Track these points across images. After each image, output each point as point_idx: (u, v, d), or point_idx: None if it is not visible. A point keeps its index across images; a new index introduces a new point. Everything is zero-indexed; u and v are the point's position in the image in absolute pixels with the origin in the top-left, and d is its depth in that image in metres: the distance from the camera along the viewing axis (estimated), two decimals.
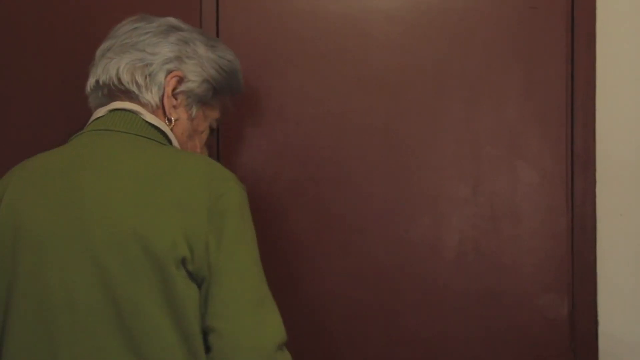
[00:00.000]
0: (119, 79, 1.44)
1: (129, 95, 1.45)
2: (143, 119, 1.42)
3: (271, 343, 1.19)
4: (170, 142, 1.45)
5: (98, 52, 1.50)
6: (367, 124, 1.94)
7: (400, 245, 1.94)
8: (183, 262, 1.23)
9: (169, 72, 1.45)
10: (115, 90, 1.45)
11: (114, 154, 1.35)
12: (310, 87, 1.93)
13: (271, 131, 1.94)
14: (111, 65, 1.45)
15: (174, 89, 1.46)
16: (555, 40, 1.93)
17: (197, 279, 1.24)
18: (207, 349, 1.23)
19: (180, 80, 1.46)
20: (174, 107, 1.46)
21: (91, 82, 1.49)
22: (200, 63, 1.48)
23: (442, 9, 1.94)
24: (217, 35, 1.92)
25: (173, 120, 1.46)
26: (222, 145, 1.93)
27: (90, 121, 1.47)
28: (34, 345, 1.26)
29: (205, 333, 1.23)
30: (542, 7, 1.93)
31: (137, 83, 1.44)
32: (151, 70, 1.45)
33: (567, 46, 1.94)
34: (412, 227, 1.95)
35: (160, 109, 1.46)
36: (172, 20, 1.52)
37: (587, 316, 1.94)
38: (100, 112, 1.45)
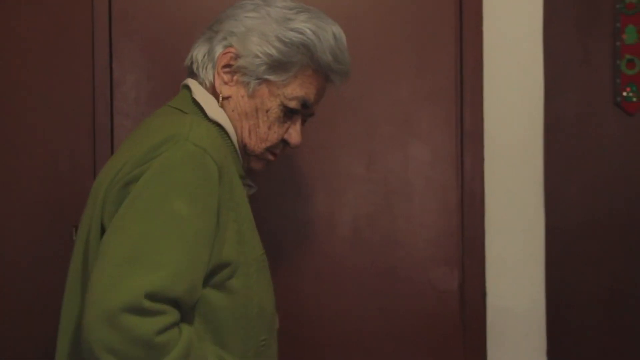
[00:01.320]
0: (191, 60, 1.46)
1: (194, 74, 1.46)
2: (191, 95, 1.43)
3: (116, 302, 1.11)
4: (208, 119, 1.40)
5: None
6: None
7: (298, 222, 1.96)
8: None
9: (224, 47, 1.42)
10: (189, 71, 1.48)
11: (144, 125, 1.40)
12: None
13: None
14: (192, 47, 1.48)
15: (226, 65, 1.41)
16: (444, 24, 1.98)
17: None
18: None
19: (236, 56, 1.40)
20: (226, 83, 1.42)
21: None
22: (255, 37, 1.40)
23: None
24: (109, 15, 1.89)
25: (220, 98, 1.42)
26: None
27: None
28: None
29: None
30: None
31: (197, 62, 1.44)
32: (210, 47, 1.43)
33: (456, 30, 1.98)
34: (308, 203, 1.96)
35: (213, 87, 1.44)
36: None
37: (476, 288, 2.00)
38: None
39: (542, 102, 2.06)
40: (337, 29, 1.44)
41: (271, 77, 1.40)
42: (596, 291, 2.25)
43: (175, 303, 1.19)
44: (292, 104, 1.42)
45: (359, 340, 1.97)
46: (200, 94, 1.43)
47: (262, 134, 1.43)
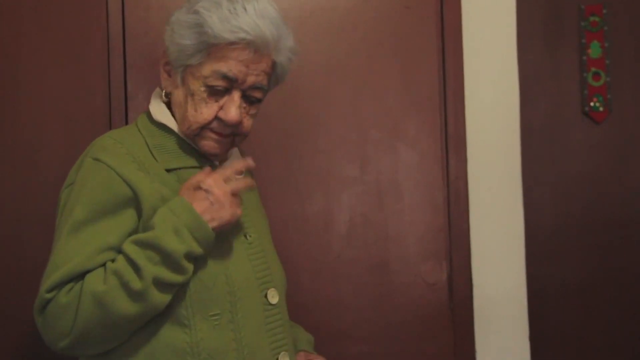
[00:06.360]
0: None
1: None
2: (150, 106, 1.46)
3: (43, 288, 1.28)
4: (153, 121, 1.44)
5: None
6: (264, 113, 1.96)
7: (297, 221, 1.97)
8: None
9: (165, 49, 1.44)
10: None
11: None
12: None
13: None
14: None
15: (166, 63, 1.43)
16: (427, 35, 2.01)
17: None
18: None
19: (166, 53, 1.42)
20: (166, 80, 1.43)
21: None
22: (170, 30, 1.40)
23: (327, 9, 2.00)
24: (123, 31, 1.92)
25: (163, 94, 1.44)
26: None
27: None
28: None
29: None
30: (414, 7, 2.01)
31: None
32: None
33: (438, 40, 2.02)
34: (307, 204, 1.98)
35: None
36: None
37: (463, 279, 2.01)
38: None
39: (517, 109, 2.09)
40: (243, 2, 1.35)
41: (188, 62, 1.38)
42: (569, 280, 2.28)
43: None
44: (211, 81, 1.37)
45: (354, 329, 1.98)
46: (152, 101, 1.47)
47: (190, 117, 1.39)
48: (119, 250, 1.29)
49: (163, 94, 1.44)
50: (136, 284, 1.24)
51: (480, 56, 2.06)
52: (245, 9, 1.34)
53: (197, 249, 1.28)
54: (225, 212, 1.31)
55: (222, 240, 1.37)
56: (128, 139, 1.39)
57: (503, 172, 2.07)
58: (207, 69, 1.37)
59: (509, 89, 2.09)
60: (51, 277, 1.28)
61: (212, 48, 1.36)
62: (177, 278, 1.27)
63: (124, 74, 1.93)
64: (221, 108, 1.39)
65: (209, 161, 1.45)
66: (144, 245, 1.26)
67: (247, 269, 1.40)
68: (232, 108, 1.38)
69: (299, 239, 1.97)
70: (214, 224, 1.30)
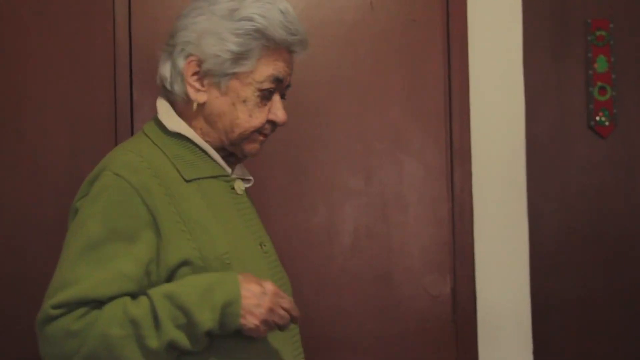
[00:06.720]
0: (160, 79, 1.41)
1: (167, 91, 1.40)
2: (157, 117, 1.40)
3: (49, 302, 1.21)
4: (167, 132, 1.38)
5: None
6: None
7: (301, 232, 1.97)
8: None
9: (185, 57, 1.35)
10: (162, 90, 1.42)
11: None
12: None
13: None
14: (158, 66, 1.42)
15: (194, 73, 1.35)
16: (433, 48, 2.01)
17: None
18: None
19: (199, 62, 1.35)
20: (199, 90, 1.36)
21: None
22: (209, 39, 1.34)
23: (334, 21, 2.00)
24: (130, 41, 1.92)
25: (195, 105, 1.36)
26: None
27: None
28: None
29: None
30: (421, 20, 2.01)
31: (166, 79, 1.39)
32: (172, 62, 1.37)
33: (444, 53, 2.02)
34: (311, 216, 1.98)
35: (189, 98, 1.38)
36: None
37: (467, 292, 2.00)
38: None
39: (523, 123, 2.08)
40: (282, 4, 1.36)
41: (238, 70, 1.35)
42: (573, 294, 2.27)
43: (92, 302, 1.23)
44: (266, 85, 1.36)
45: (357, 341, 1.97)
46: (162, 111, 1.40)
47: (244, 123, 1.37)
48: (139, 285, 1.25)
49: (194, 105, 1.37)
50: (152, 341, 1.20)
51: (486, 69, 2.06)
52: (288, 10, 1.36)
53: (217, 331, 1.25)
54: (253, 320, 1.25)
55: (242, 250, 1.36)
56: (146, 151, 1.35)
57: (508, 185, 2.06)
58: (260, 74, 1.36)
59: (515, 103, 2.08)
60: (60, 293, 1.22)
61: (263, 52, 1.35)
62: (190, 347, 1.24)
63: (129, 83, 1.93)
64: (269, 110, 1.39)
65: (223, 170, 1.43)
66: (175, 303, 1.22)
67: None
68: (281, 109, 1.40)
69: (302, 251, 1.96)
70: (241, 319, 1.25)
